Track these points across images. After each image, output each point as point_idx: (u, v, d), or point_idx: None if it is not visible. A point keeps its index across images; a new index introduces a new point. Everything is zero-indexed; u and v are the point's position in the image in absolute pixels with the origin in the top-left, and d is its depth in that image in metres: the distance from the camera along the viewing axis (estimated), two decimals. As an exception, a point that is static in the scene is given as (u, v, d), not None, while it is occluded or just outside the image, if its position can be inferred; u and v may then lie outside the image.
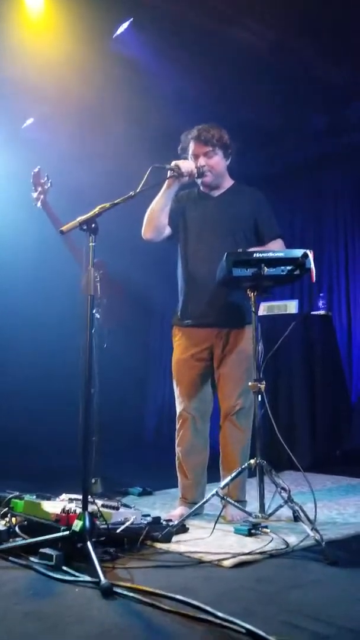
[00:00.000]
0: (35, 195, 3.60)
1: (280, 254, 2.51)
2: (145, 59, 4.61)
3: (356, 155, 5.52)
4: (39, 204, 3.59)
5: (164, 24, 4.29)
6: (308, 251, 2.47)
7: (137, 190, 2.58)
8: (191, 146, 3.06)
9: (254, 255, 2.56)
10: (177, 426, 3.12)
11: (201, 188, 3.18)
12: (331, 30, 4.32)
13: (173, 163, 2.91)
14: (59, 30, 4.21)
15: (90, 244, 2.42)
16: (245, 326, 3.02)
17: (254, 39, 4.37)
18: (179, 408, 3.12)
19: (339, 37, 4.41)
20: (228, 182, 3.18)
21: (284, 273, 2.53)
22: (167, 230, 3.09)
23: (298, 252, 2.52)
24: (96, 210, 2.43)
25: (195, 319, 3.07)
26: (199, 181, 3.09)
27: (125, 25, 4.38)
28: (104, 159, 5.15)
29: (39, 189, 3.59)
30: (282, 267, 2.53)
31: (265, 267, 2.49)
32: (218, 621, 1.65)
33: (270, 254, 2.51)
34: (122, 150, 4.78)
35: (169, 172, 2.90)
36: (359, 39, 4.41)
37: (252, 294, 2.65)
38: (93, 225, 2.42)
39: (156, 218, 3.02)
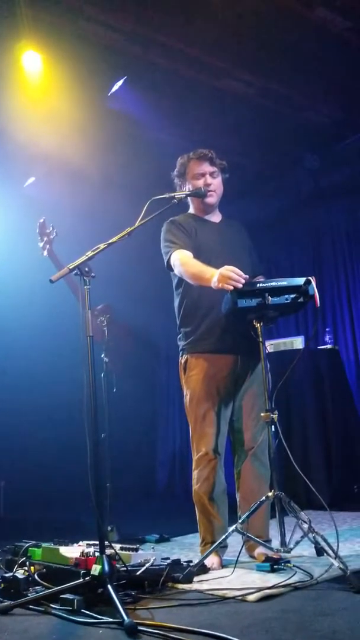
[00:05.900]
0: (41, 244, 3.70)
1: (284, 283, 2.52)
2: (138, 112, 4.79)
3: (352, 189, 5.62)
4: (45, 252, 3.69)
5: (155, 77, 4.47)
6: (311, 277, 2.50)
7: (133, 227, 2.55)
8: (194, 165, 2.97)
9: (258, 285, 2.59)
10: (201, 467, 2.84)
11: (193, 211, 3.08)
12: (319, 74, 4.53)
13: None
14: (56, 91, 4.38)
15: (85, 287, 2.40)
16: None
17: (244, 87, 4.56)
18: (203, 448, 2.84)
19: (325, 80, 4.63)
20: (218, 212, 3.09)
21: (288, 301, 2.55)
22: None
23: (301, 280, 2.54)
24: (89, 253, 2.41)
25: (215, 344, 2.87)
26: (201, 201, 2.96)
27: (119, 83, 4.57)
28: (103, 211, 5.31)
29: (45, 238, 3.69)
30: (286, 296, 2.54)
31: (269, 297, 2.51)
32: (247, 651, 1.61)
33: (274, 283, 2.54)
34: (120, 202, 4.92)
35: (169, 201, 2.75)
36: (344, 81, 4.63)
37: (258, 324, 2.65)
38: (86, 269, 2.41)
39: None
